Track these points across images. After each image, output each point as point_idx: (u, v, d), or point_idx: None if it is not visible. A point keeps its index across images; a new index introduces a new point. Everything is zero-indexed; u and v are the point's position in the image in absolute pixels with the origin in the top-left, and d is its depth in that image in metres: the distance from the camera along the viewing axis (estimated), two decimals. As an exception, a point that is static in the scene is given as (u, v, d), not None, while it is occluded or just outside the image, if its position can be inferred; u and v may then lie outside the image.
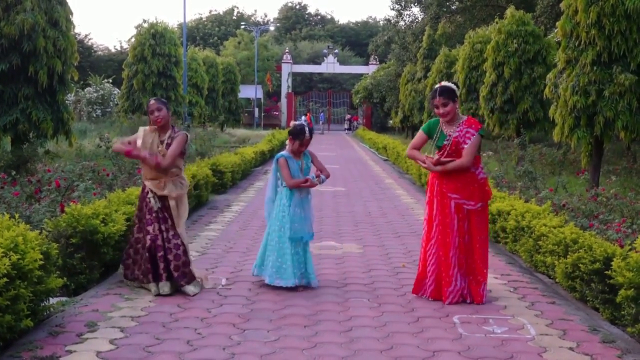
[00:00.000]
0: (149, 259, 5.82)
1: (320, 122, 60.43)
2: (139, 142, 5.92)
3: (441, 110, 5.79)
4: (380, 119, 56.21)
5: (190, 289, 5.83)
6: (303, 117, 28.40)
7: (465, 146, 5.74)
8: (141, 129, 6.05)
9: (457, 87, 6.11)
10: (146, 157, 5.76)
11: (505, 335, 4.88)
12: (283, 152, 6.19)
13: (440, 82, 6.20)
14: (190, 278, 5.87)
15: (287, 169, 6.05)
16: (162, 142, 5.92)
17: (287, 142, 6.21)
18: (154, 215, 5.86)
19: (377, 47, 47.80)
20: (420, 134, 6.02)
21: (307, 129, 6.13)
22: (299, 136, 6.10)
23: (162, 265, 5.81)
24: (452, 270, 5.72)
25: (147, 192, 5.93)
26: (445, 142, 5.81)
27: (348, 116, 64.60)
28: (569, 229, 6.29)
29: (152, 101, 5.98)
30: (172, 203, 5.90)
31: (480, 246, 5.82)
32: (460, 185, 5.78)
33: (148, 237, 5.84)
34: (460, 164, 5.73)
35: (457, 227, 5.76)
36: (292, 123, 6.26)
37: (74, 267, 5.91)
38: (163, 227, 5.86)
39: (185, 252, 5.92)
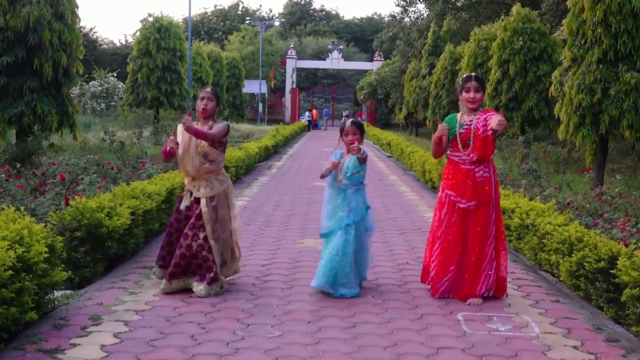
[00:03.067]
0: (163, 245, 5.76)
1: (324, 118, 60.20)
2: (179, 138, 5.69)
3: (472, 95, 5.65)
4: (384, 115, 56.14)
5: (198, 288, 5.60)
6: (307, 113, 28.49)
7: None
8: (180, 126, 5.79)
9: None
10: (188, 127, 5.40)
11: (509, 333, 4.88)
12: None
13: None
14: (204, 278, 5.61)
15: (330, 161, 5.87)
16: None
17: None
18: (179, 212, 5.73)
19: (381, 43, 47.73)
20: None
21: (348, 121, 5.89)
22: (340, 130, 5.89)
23: (169, 257, 5.70)
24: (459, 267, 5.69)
25: (184, 190, 5.79)
26: (462, 131, 5.67)
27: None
28: (573, 228, 6.28)
29: (208, 89, 5.78)
30: (202, 202, 5.60)
31: (480, 248, 5.67)
32: (455, 182, 5.68)
33: (167, 229, 5.79)
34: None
35: (453, 224, 5.66)
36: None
37: (78, 261, 5.92)
38: (183, 226, 5.65)
39: (177, 255, 5.57)
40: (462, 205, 5.66)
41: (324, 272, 5.70)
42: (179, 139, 5.73)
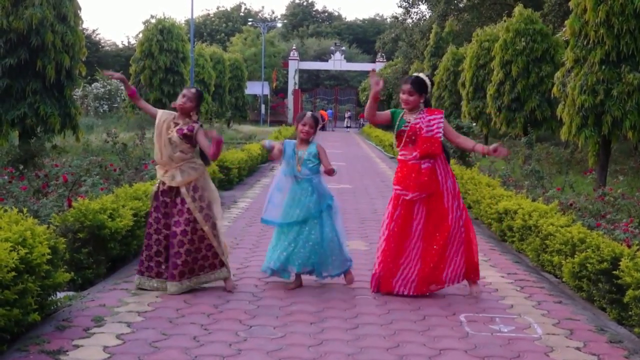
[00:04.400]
0: (145, 250, 5.77)
1: (328, 120, 60.19)
2: (158, 121, 5.79)
3: (404, 97, 5.86)
4: (386, 117, 55.98)
5: (170, 285, 5.60)
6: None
7: (440, 131, 5.79)
8: (160, 111, 5.93)
9: (432, 82, 6.10)
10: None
11: (511, 334, 4.88)
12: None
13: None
14: (179, 275, 5.62)
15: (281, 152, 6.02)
16: (175, 125, 5.74)
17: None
18: (154, 206, 5.77)
19: (384, 44, 47.76)
20: (386, 111, 6.10)
21: (308, 113, 6.19)
22: (298, 119, 6.14)
23: (143, 256, 5.74)
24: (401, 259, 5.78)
25: (159, 184, 5.79)
26: (403, 128, 5.87)
27: (348, 113, 62.38)
28: (576, 229, 6.27)
29: (193, 89, 5.86)
30: (182, 190, 5.64)
31: (442, 237, 5.75)
32: (401, 176, 5.86)
33: (147, 231, 5.80)
34: (465, 144, 6.00)
35: (397, 217, 5.79)
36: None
37: (81, 262, 5.92)
38: (163, 222, 5.69)
39: (179, 253, 5.59)
40: (407, 198, 5.78)
41: (304, 257, 5.87)
42: (157, 122, 5.80)
